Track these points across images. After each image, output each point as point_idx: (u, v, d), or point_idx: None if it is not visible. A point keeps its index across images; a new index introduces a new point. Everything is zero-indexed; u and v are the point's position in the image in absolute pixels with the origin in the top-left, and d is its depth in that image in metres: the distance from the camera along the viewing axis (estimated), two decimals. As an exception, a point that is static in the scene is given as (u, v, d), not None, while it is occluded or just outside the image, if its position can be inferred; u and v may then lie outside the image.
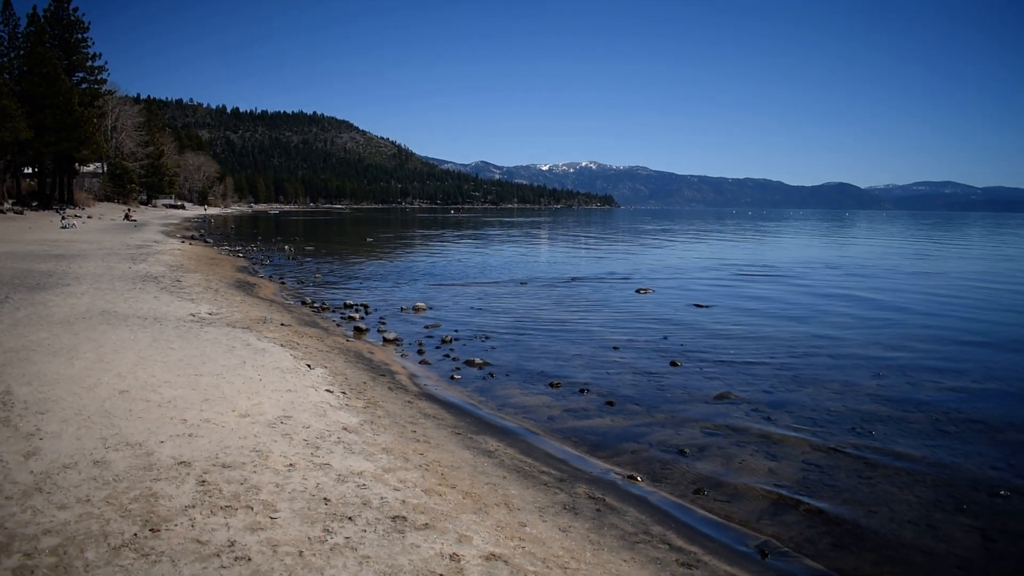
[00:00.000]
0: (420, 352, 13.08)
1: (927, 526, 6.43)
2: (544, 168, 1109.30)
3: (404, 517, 5.17)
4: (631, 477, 7.49)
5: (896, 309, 19.15)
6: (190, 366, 9.15)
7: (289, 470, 5.84)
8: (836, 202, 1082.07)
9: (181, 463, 5.76)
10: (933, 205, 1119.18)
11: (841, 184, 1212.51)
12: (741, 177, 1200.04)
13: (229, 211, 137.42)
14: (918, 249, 49.15)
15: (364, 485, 5.71)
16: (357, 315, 16.63)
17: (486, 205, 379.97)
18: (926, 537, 6.23)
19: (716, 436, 8.77)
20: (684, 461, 7.97)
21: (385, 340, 13.92)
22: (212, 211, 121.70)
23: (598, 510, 6.39)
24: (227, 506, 5.03)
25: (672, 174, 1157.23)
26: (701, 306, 19.30)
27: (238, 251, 36.03)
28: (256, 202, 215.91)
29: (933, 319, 17.46)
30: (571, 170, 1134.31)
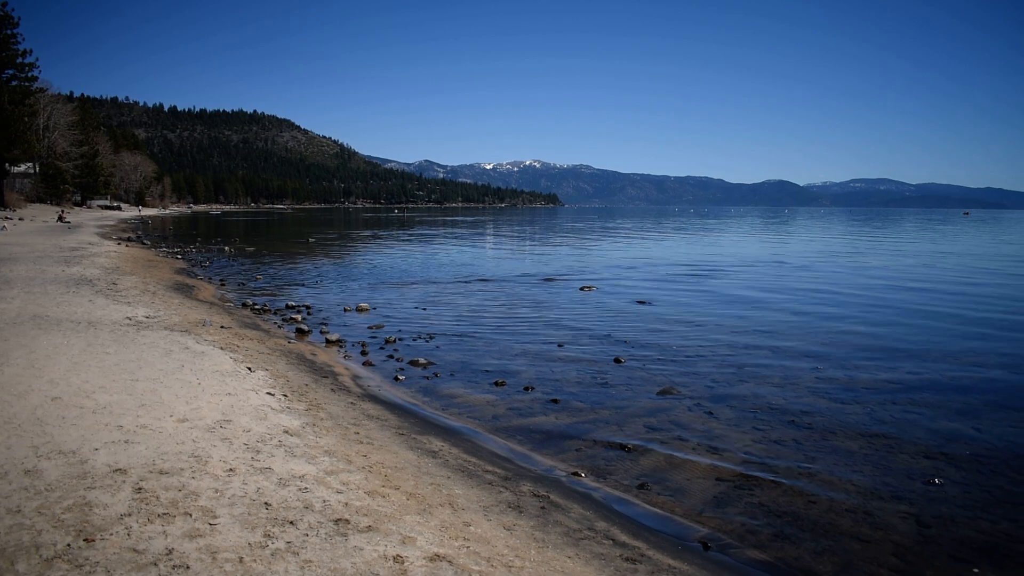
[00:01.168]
0: (363, 353, 12.97)
1: (864, 514, 6.59)
2: (488, 167, 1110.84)
3: (347, 520, 5.12)
4: (575, 474, 7.53)
5: (833, 303, 19.58)
6: (126, 371, 8.93)
7: (229, 475, 5.73)
8: (776, 199, 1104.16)
9: (117, 470, 5.62)
10: (869, 201, 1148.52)
11: (781, 181, 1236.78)
12: (683, 175, 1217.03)
13: (167, 212, 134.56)
14: (854, 245, 50.30)
15: (306, 488, 5.64)
16: (299, 316, 16.42)
17: (430, 204, 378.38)
18: (863, 525, 6.38)
19: (659, 431, 8.86)
20: (628, 457, 8.04)
21: (328, 341, 13.78)
22: (149, 212, 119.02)
23: (543, 508, 6.40)
24: (164, 513, 4.91)
25: (615, 172, 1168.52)
26: (644, 303, 19.48)
27: (176, 253, 35.32)
28: (195, 203, 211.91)
29: (869, 313, 17.90)
30: (515, 169, 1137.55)
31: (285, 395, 8.84)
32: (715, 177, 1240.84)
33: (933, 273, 28.72)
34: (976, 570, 5.66)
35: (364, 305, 18.22)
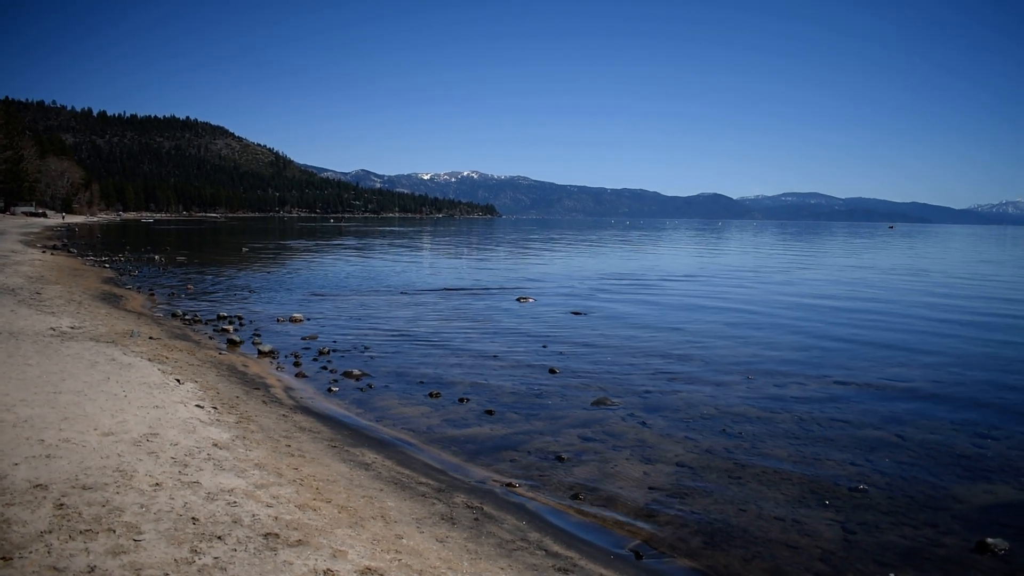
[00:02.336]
0: (296, 364, 12.81)
1: (792, 521, 6.74)
2: (426, 177, 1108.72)
3: (276, 534, 5.05)
4: (509, 485, 7.54)
5: (764, 315, 19.99)
6: (49, 383, 8.67)
7: (155, 489, 5.61)
8: (710, 212, 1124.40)
9: (37, 486, 5.45)
10: (800, 215, 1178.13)
11: (715, 195, 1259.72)
12: (619, 187, 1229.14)
13: (95, 219, 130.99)
14: (786, 259, 51.46)
15: (235, 503, 5.55)
16: (231, 327, 16.15)
17: (367, 214, 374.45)
18: (791, 532, 6.53)
19: (593, 441, 8.94)
20: (562, 467, 8.08)
21: (260, 352, 13.57)
22: (76, 219, 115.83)
23: (476, 519, 6.40)
24: (87, 530, 4.78)
25: (553, 184, 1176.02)
26: (579, 314, 19.62)
27: (104, 262, 34.42)
28: (125, 210, 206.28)
29: (798, 324, 18.32)
30: (453, 179, 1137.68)
31: (215, 407, 8.69)
32: (651, 190, 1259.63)
33: (859, 287, 29.57)
34: (892, 575, 5.82)
35: (298, 316, 18.00)
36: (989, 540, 6.25)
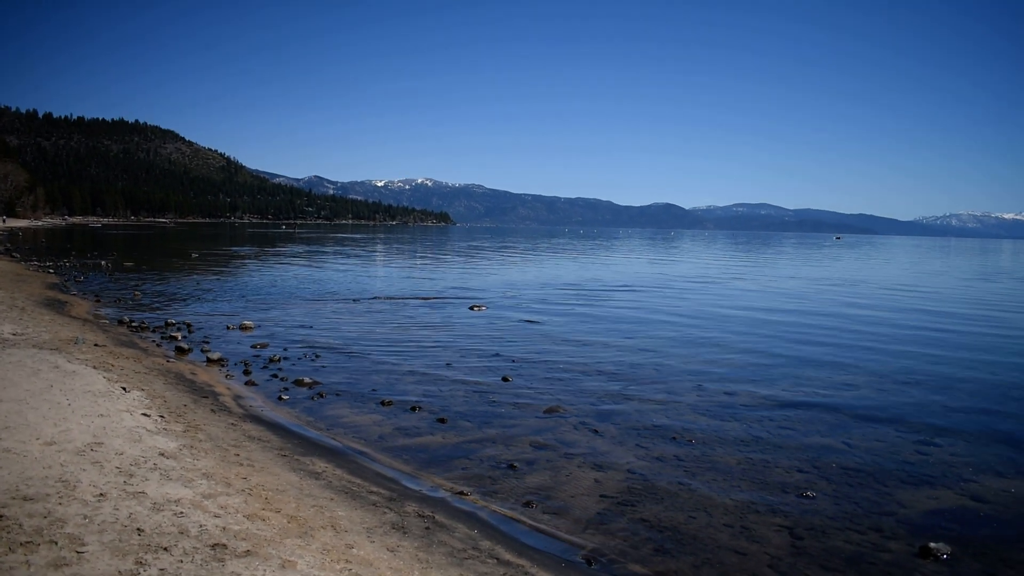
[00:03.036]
0: (246, 372, 12.66)
1: (741, 528, 6.83)
2: (379, 184, 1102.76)
3: (224, 545, 4.98)
4: (461, 493, 7.53)
5: (715, 326, 20.25)
6: (-11, 391, 8.46)
7: (99, 500, 5.50)
8: (663, 222, 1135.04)
9: (-25, 497, 5.32)
10: (750, 225, 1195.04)
11: (667, 205, 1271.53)
12: (573, 196, 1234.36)
13: (40, 224, 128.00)
14: (736, 270, 52.13)
15: (182, 513, 5.46)
16: (179, 334, 15.88)
17: (320, 221, 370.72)
18: (740, 538, 6.62)
19: (545, 449, 8.97)
20: (514, 475, 8.10)
21: (209, 360, 13.37)
22: (20, 223, 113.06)
23: (427, 528, 6.38)
24: (28, 542, 4.67)
25: (507, 192, 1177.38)
26: (532, 322, 19.68)
27: (49, 267, 33.64)
28: (71, 215, 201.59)
29: (748, 335, 18.58)
30: (407, 187, 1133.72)
31: (162, 416, 8.55)
32: (604, 199, 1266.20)
33: (807, 297, 30.09)
34: (838, 579, 5.94)
35: (248, 323, 17.78)
36: (932, 545, 6.39)
